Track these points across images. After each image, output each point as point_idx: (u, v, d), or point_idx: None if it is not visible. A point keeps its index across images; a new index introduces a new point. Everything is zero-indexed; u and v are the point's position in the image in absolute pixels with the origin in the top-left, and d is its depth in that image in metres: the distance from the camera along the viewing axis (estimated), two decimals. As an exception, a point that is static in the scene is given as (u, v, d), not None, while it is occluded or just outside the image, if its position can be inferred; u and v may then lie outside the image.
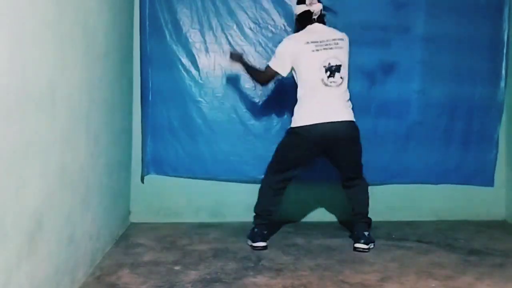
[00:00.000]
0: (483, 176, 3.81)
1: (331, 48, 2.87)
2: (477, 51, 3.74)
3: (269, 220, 3.04)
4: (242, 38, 3.58)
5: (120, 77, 3.06)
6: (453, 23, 3.71)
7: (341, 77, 2.87)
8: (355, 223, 3.03)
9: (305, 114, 2.88)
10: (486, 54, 3.77)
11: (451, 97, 3.73)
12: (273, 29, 3.58)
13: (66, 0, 1.93)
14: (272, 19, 3.58)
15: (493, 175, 3.82)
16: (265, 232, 2.99)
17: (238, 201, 3.62)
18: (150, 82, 3.51)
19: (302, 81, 2.91)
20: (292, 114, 2.96)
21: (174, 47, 3.52)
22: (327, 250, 2.90)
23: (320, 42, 2.87)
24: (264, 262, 2.63)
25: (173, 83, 3.52)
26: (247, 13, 3.57)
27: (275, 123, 3.61)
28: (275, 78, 3.10)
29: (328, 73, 2.84)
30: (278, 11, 3.56)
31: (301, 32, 2.99)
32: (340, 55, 2.89)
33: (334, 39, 2.90)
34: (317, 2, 2.96)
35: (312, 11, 2.93)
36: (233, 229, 3.34)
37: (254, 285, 2.27)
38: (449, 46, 3.70)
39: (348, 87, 2.96)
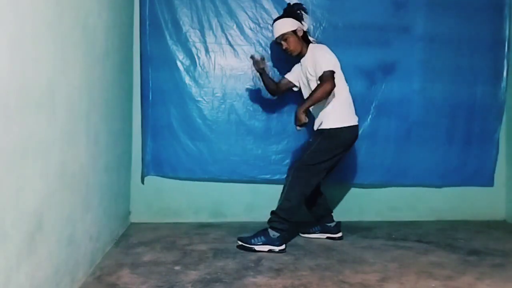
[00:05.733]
0: (483, 176, 3.81)
1: None
2: (477, 51, 3.75)
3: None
4: (242, 38, 3.58)
5: (120, 77, 3.06)
6: (453, 23, 3.71)
7: None
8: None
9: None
10: (486, 54, 3.77)
11: (452, 97, 3.73)
12: (273, 29, 3.58)
13: (66, 0, 1.93)
14: (272, 19, 3.57)
15: (493, 175, 3.82)
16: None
17: (238, 201, 3.62)
18: (150, 82, 3.51)
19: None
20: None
21: (174, 47, 3.52)
22: (327, 250, 2.91)
23: None
24: (264, 262, 2.63)
25: (173, 83, 3.52)
26: (247, 13, 3.57)
27: (275, 123, 3.61)
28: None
29: None
30: (278, 11, 3.55)
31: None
32: None
33: None
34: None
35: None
36: (233, 229, 3.34)
37: (254, 285, 2.27)
38: (449, 46, 3.71)
39: (347, 87, 3.01)
